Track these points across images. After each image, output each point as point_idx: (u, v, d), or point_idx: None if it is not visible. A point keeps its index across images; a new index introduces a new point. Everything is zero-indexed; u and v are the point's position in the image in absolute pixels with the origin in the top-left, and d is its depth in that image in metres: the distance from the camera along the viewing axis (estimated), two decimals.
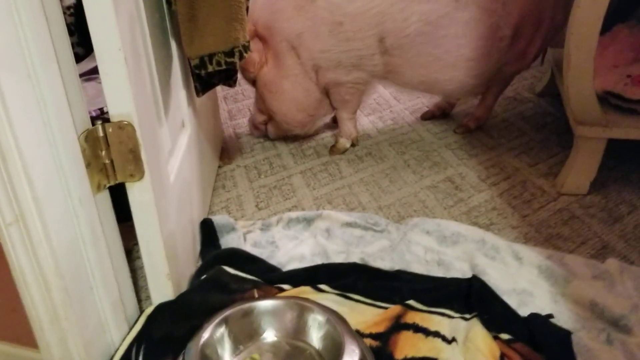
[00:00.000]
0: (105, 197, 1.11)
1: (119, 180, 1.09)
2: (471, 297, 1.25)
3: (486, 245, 1.44)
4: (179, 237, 1.31)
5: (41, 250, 0.97)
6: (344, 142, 2.03)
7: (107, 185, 1.10)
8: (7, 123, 0.85)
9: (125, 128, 1.05)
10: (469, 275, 1.35)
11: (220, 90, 2.58)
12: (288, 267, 1.43)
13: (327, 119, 2.17)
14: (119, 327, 1.15)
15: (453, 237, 1.48)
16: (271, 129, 2.09)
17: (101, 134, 1.05)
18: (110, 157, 1.07)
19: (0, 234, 0.96)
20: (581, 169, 1.66)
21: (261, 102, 2.00)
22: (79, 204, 1.01)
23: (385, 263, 1.42)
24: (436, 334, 1.19)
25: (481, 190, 1.75)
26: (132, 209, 1.13)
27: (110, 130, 1.05)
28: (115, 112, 1.04)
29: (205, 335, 1.14)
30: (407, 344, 1.17)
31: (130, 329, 1.19)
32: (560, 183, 1.70)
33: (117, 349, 1.15)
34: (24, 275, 0.99)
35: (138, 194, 1.11)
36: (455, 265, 1.40)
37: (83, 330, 1.06)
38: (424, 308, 1.26)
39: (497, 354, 1.12)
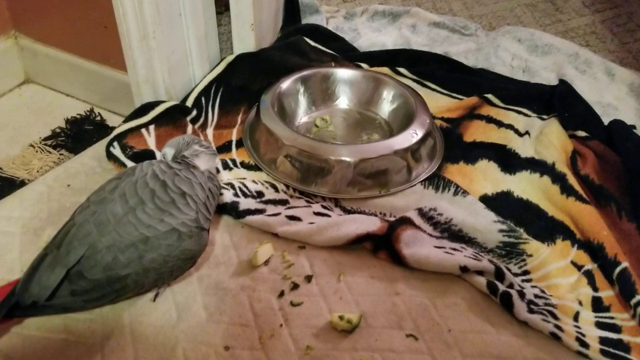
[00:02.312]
0: None
1: None
2: (554, 98, 1.21)
3: (579, 59, 1.37)
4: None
5: None
6: None
7: None
8: None
9: None
10: (553, 84, 1.30)
11: None
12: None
13: None
14: (201, 63, 1.19)
15: (545, 48, 1.41)
16: None
17: None
18: None
19: None
20: None
21: None
22: None
23: (468, 62, 1.38)
24: (509, 127, 1.17)
25: (583, 14, 1.63)
26: None
27: None
28: None
29: (283, 86, 1.17)
30: (478, 130, 1.17)
31: (211, 70, 1.22)
32: None
33: (198, 84, 1.19)
34: None
35: None
36: (541, 74, 1.35)
37: (169, 55, 1.09)
38: (502, 104, 1.23)
39: (570, 149, 1.10)
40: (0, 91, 1.27)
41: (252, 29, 1.22)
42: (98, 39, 1.15)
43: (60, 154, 1.11)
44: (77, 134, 1.15)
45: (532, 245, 0.94)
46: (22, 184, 1.04)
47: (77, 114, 1.20)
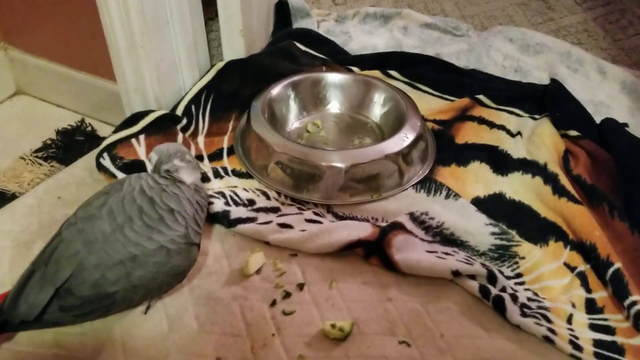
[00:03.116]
0: None
1: None
2: (545, 97, 1.21)
3: (571, 57, 1.36)
4: (255, 3, 1.29)
5: None
6: None
7: None
8: None
9: None
10: (545, 83, 1.30)
11: None
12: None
13: None
14: (191, 71, 1.18)
15: (536, 47, 1.41)
16: None
17: None
18: None
19: None
20: None
21: None
22: None
23: (460, 63, 1.38)
24: (501, 127, 1.17)
25: (575, 12, 1.63)
26: None
27: None
28: None
29: (274, 92, 1.16)
30: (470, 132, 1.16)
31: (201, 78, 1.22)
32: None
33: (188, 92, 1.18)
34: None
35: None
36: (533, 73, 1.34)
37: (158, 63, 1.09)
38: (493, 105, 1.23)
39: (562, 149, 1.09)
40: None
41: (242, 34, 1.21)
42: (87, 49, 1.15)
43: (51, 166, 1.10)
44: (68, 145, 1.15)
45: (525, 248, 0.93)
46: (13, 197, 1.04)
47: (68, 125, 1.20)
